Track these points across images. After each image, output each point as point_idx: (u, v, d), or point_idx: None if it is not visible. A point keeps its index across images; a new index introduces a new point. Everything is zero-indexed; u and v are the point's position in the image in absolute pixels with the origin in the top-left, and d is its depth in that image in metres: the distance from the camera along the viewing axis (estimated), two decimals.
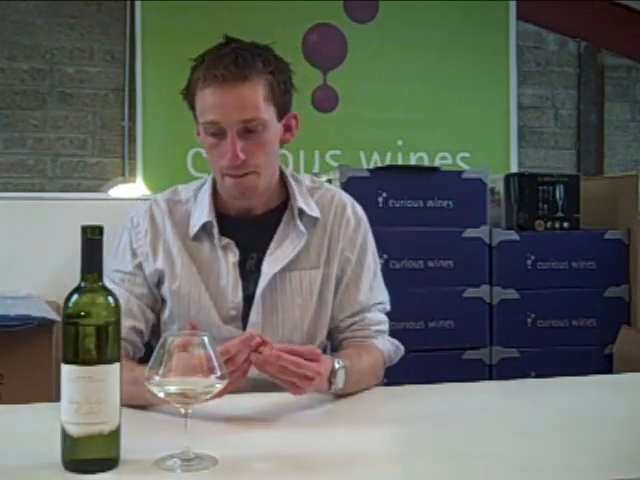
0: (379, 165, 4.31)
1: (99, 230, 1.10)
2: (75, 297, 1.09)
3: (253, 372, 1.53)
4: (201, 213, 1.61)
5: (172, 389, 1.12)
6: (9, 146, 4.19)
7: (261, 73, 1.50)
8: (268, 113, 1.52)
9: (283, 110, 1.56)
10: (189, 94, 1.55)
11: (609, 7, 4.84)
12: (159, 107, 4.21)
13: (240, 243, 1.59)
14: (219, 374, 1.13)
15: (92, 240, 1.09)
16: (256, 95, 1.49)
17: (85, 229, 1.09)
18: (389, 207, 2.90)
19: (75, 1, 4.25)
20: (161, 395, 1.13)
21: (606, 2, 4.83)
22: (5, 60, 4.18)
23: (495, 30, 4.73)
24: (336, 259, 1.63)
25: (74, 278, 1.10)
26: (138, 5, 4.25)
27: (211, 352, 1.13)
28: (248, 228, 1.61)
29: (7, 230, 2.75)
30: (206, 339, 1.14)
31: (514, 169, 4.62)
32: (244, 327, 1.57)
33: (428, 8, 4.60)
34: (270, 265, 1.58)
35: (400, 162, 4.47)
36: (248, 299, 1.58)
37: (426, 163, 4.51)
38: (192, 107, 1.56)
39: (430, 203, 2.98)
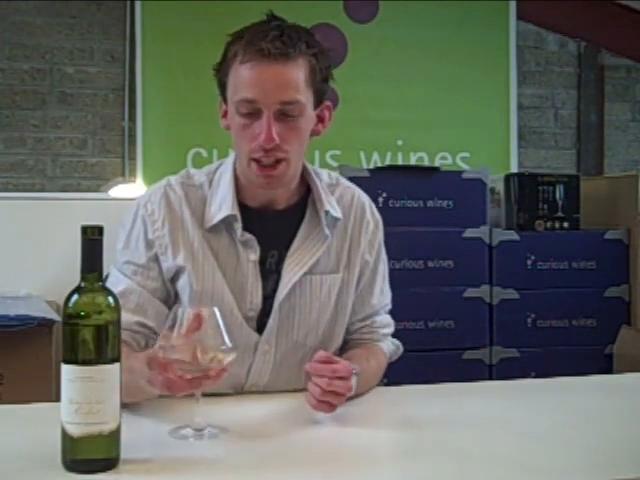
0: (379, 165, 4.31)
1: (99, 230, 1.09)
2: (75, 297, 1.08)
3: (262, 380, 1.55)
4: (221, 203, 1.50)
5: (184, 357, 1.16)
6: (9, 146, 4.19)
7: (304, 54, 1.42)
8: (306, 97, 1.43)
9: (320, 98, 1.48)
10: (221, 70, 1.45)
11: (609, 7, 4.84)
12: (159, 107, 4.22)
13: (261, 239, 1.50)
14: (229, 345, 1.19)
15: (92, 240, 1.09)
16: (298, 76, 1.41)
17: (85, 229, 1.09)
18: (389, 207, 2.90)
19: (75, 1, 4.25)
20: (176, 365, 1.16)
21: (606, 2, 4.83)
22: (5, 60, 4.18)
23: (495, 30, 4.73)
24: (357, 264, 1.59)
25: (74, 278, 1.10)
26: (138, 5, 4.25)
27: (221, 324, 1.20)
28: (269, 223, 1.52)
29: (7, 230, 2.75)
30: (216, 310, 1.20)
31: (514, 169, 4.62)
32: (258, 328, 1.52)
33: (428, 8, 4.60)
34: (291, 269, 1.51)
35: (400, 162, 4.47)
36: (265, 298, 1.52)
37: (426, 163, 4.51)
38: (222, 85, 1.46)
39: (430, 203, 2.98)
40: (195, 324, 1.18)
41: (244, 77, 1.40)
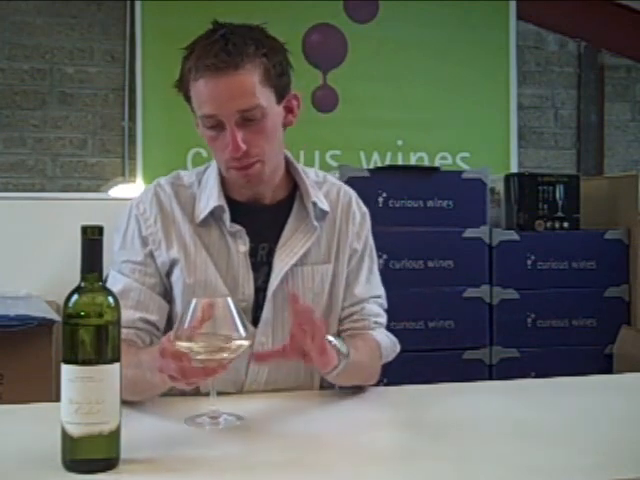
0: (379, 165, 4.31)
1: (99, 230, 1.09)
2: (75, 297, 1.08)
3: (262, 375, 1.55)
4: (209, 197, 1.54)
5: (199, 347, 1.17)
6: (9, 146, 4.19)
7: (254, 57, 1.43)
8: (266, 98, 1.45)
9: (282, 92, 1.49)
10: (182, 86, 1.48)
11: (609, 7, 4.84)
12: (159, 107, 4.22)
13: (250, 231, 1.53)
14: (243, 334, 1.21)
15: (92, 240, 1.09)
16: (251, 82, 1.42)
17: (85, 229, 1.09)
18: (389, 207, 2.90)
19: (75, 1, 4.25)
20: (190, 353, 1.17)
21: (606, 2, 4.83)
22: (5, 60, 4.18)
23: (495, 30, 4.73)
24: (346, 254, 1.61)
25: (74, 278, 1.10)
26: (138, 5, 4.25)
27: (234, 313, 1.21)
28: (258, 216, 1.56)
29: (7, 230, 2.75)
30: (229, 300, 1.22)
31: (514, 169, 4.62)
32: (253, 320, 1.53)
33: (428, 8, 4.60)
34: (282, 259, 1.54)
35: (400, 162, 4.47)
36: (257, 290, 1.53)
37: (426, 163, 4.51)
38: (187, 99, 1.50)
39: (430, 203, 2.98)
40: (207, 314, 1.20)
41: (200, 94, 1.44)
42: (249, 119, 1.44)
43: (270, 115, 1.47)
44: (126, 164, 4.29)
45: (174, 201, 1.56)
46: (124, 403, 1.12)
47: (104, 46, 4.29)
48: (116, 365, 1.09)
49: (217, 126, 1.45)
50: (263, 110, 1.44)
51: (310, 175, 1.64)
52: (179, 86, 1.50)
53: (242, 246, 1.53)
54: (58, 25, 4.24)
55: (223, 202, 1.53)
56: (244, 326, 1.23)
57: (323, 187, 1.64)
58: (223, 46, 1.42)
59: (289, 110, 1.54)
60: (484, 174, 3.03)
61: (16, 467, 1.09)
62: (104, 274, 1.13)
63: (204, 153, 4.24)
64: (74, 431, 1.06)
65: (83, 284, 1.09)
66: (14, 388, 2.21)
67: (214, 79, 1.41)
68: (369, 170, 3.02)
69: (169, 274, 1.54)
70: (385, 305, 1.70)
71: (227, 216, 1.53)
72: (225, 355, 1.20)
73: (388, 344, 1.67)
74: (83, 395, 1.06)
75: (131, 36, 4.27)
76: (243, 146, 1.43)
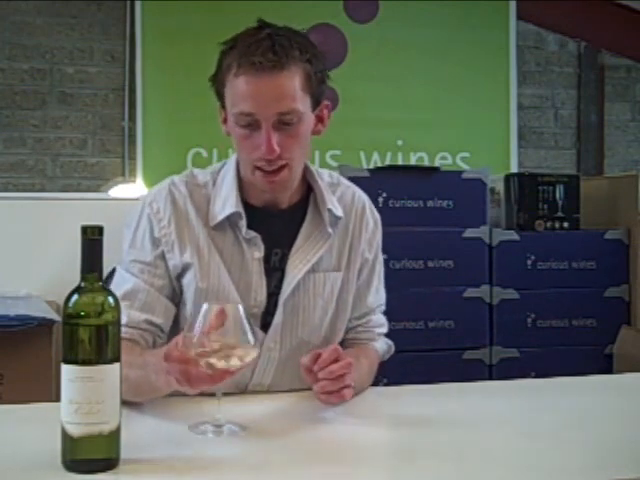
0: (379, 165, 4.31)
1: (99, 230, 1.09)
2: (75, 297, 1.08)
3: (266, 379, 1.55)
4: (225, 201, 1.51)
5: (207, 354, 1.16)
6: (9, 146, 4.19)
7: (298, 61, 1.42)
8: (304, 104, 1.44)
9: (317, 100, 1.48)
10: (218, 81, 1.45)
11: (609, 7, 4.84)
12: (159, 107, 4.22)
13: (264, 237, 1.51)
14: (252, 342, 1.20)
15: (92, 240, 1.09)
16: (293, 85, 1.41)
17: (85, 229, 1.09)
18: (389, 207, 2.90)
19: (75, 1, 4.25)
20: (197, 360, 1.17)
21: (606, 2, 4.83)
22: (5, 60, 4.18)
23: (495, 30, 4.73)
24: (357, 261, 1.60)
25: (74, 278, 1.10)
26: (138, 5, 4.25)
27: (244, 320, 1.21)
28: (273, 221, 1.54)
29: (7, 230, 2.75)
30: (240, 307, 1.21)
31: (514, 169, 4.62)
32: (262, 326, 1.52)
33: (428, 8, 4.60)
34: (295, 265, 1.52)
35: (400, 162, 4.47)
36: (269, 296, 1.52)
37: (426, 163, 4.51)
38: (219, 94, 1.47)
39: (430, 203, 2.98)
40: (218, 321, 1.19)
41: (240, 91, 1.41)
42: (286, 122, 1.42)
43: (305, 121, 1.45)
44: (126, 164, 4.29)
45: (189, 202, 1.53)
46: (125, 403, 1.12)
47: (104, 46, 4.29)
48: (116, 365, 1.09)
49: (251, 125, 1.42)
50: (300, 115, 1.43)
51: (324, 177, 1.62)
52: (213, 80, 1.47)
53: (257, 252, 1.51)
54: (58, 25, 4.24)
55: (240, 208, 1.51)
56: (253, 334, 1.22)
57: (337, 190, 1.62)
58: (270, 46, 1.40)
59: (320, 119, 1.52)
60: (484, 174, 3.03)
61: (16, 467, 1.09)
62: (104, 274, 1.12)
63: (204, 153, 4.24)
64: (74, 431, 1.06)
65: (83, 284, 1.09)
66: (14, 388, 2.21)
67: (257, 77, 1.39)
68: (369, 170, 3.02)
69: (180, 277, 1.52)
70: (384, 308, 1.71)
71: (244, 223, 1.50)
72: (232, 363, 1.18)
73: (385, 349, 1.70)
74: (83, 395, 1.06)
75: (131, 36, 4.27)
76: (277, 149, 1.41)
